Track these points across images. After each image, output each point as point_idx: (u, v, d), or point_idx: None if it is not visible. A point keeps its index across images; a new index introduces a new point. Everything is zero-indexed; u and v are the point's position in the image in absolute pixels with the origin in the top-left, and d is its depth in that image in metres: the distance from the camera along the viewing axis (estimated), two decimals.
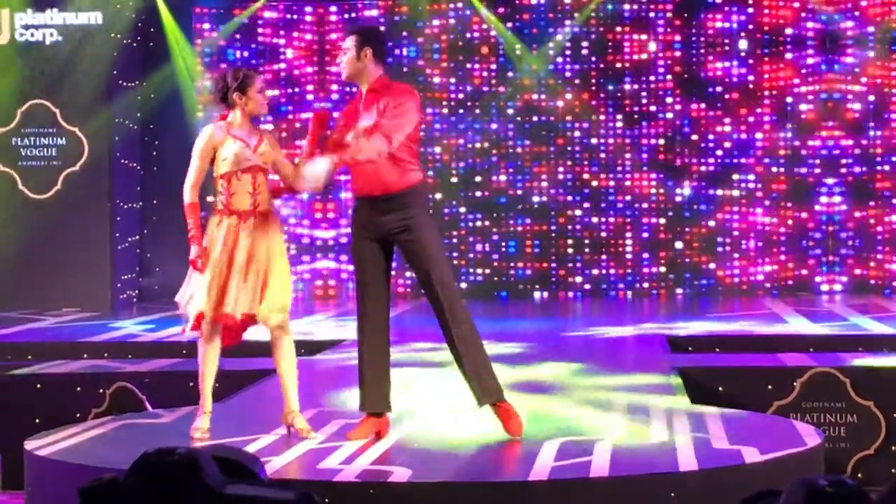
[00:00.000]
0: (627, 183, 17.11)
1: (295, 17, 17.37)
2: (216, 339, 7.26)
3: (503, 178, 17.22)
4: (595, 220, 17.17)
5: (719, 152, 17.04)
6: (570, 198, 17.17)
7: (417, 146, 7.29)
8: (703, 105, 17.03)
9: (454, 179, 17.22)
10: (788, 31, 16.98)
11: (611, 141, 17.11)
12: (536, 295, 17.24)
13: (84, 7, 15.69)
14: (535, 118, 17.19)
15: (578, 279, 17.21)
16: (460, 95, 17.21)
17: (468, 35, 17.19)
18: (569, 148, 17.14)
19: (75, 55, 15.67)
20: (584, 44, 17.11)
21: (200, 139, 7.26)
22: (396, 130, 7.00)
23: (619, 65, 17.12)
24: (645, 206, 17.10)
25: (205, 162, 7.24)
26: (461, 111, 17.18)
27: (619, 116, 17.11)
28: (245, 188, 7.19)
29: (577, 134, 17.13)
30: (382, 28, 15.50)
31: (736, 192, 17.06)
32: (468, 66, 17.19)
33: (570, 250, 17.20)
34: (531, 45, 17.07)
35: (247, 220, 7.16)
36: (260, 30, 17.39)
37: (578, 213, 17.17)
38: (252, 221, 7.16)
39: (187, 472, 2.95)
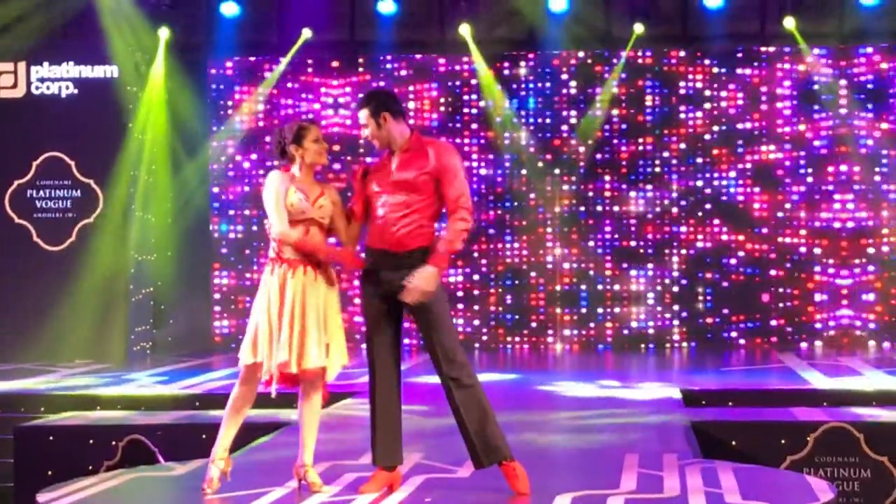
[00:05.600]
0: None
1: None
2: (253, 386, 7.16)
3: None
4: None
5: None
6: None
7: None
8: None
9: None
10: None
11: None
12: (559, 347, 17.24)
13: (100, 61, 15.79)
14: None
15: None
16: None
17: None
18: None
19: (90, 108, 15.74)
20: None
21: (272, 184, 7.09)
22: (468, 200, 7.01)
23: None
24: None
25: (283, 203, 7.08)
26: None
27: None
28: None
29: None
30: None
31: None
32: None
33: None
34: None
35: (295, 269, 7.09)
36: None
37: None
38: (301, 271, 7.09)
39: None
